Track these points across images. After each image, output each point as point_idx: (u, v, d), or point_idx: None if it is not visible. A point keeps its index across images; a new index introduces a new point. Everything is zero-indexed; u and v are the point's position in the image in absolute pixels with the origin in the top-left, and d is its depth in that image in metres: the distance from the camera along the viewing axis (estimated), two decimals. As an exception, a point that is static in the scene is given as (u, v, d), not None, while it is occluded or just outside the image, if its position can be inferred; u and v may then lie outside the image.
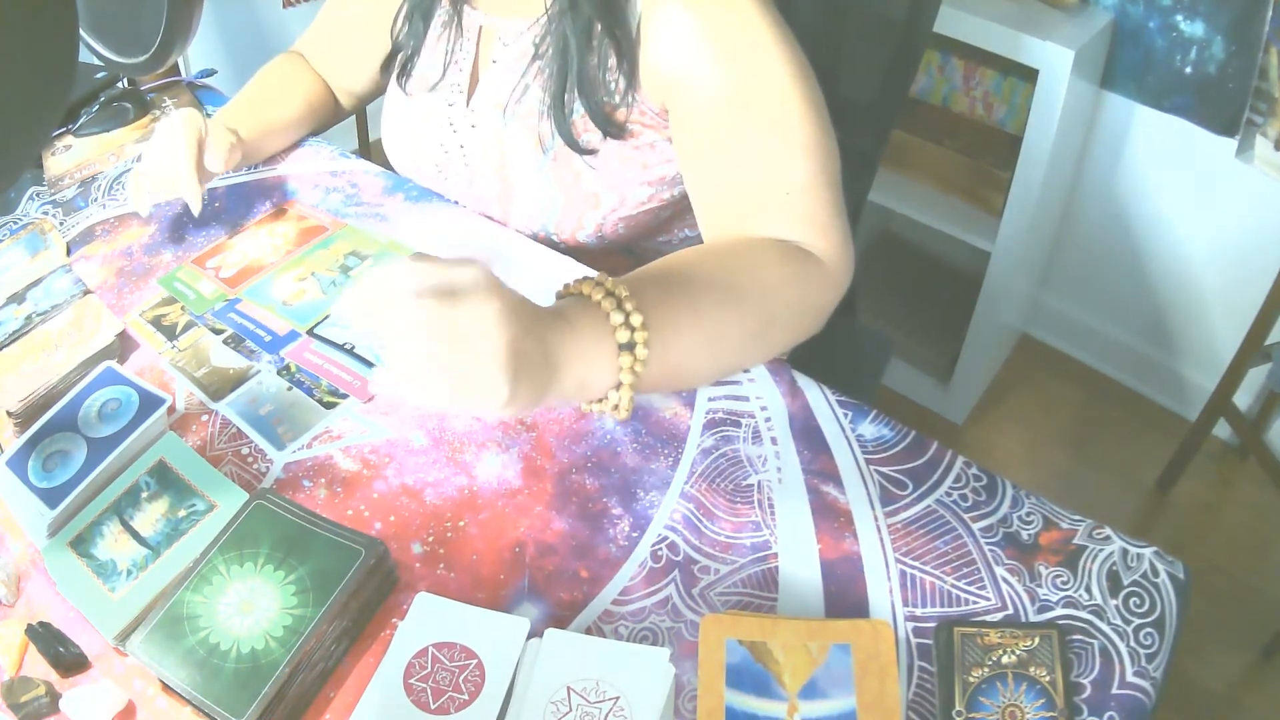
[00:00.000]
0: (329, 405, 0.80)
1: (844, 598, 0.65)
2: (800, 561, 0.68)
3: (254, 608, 0.63)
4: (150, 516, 0.71)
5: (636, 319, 0.60)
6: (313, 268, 0.93)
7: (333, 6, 1.08)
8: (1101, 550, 0.66)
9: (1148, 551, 0.66)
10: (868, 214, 1.66)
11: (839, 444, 0.75)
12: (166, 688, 0.62)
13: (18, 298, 0.93)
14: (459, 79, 0.91)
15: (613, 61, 0.80)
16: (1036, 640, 0.61)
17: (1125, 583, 0.64)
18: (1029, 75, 1.52)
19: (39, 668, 0.65)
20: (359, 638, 0.65)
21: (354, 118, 2.00)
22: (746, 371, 0.80)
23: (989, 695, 0.59)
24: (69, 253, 0.99)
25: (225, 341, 0.87)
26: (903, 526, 0.69)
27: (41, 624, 0.66)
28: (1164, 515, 1.74)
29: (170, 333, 0.88)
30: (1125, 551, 0.66)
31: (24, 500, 0.72)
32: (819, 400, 0.78)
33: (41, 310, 0.90)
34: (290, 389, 0.82)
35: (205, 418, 0.80)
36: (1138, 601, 0.63)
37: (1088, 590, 0.64)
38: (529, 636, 0.63)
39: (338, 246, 0.95)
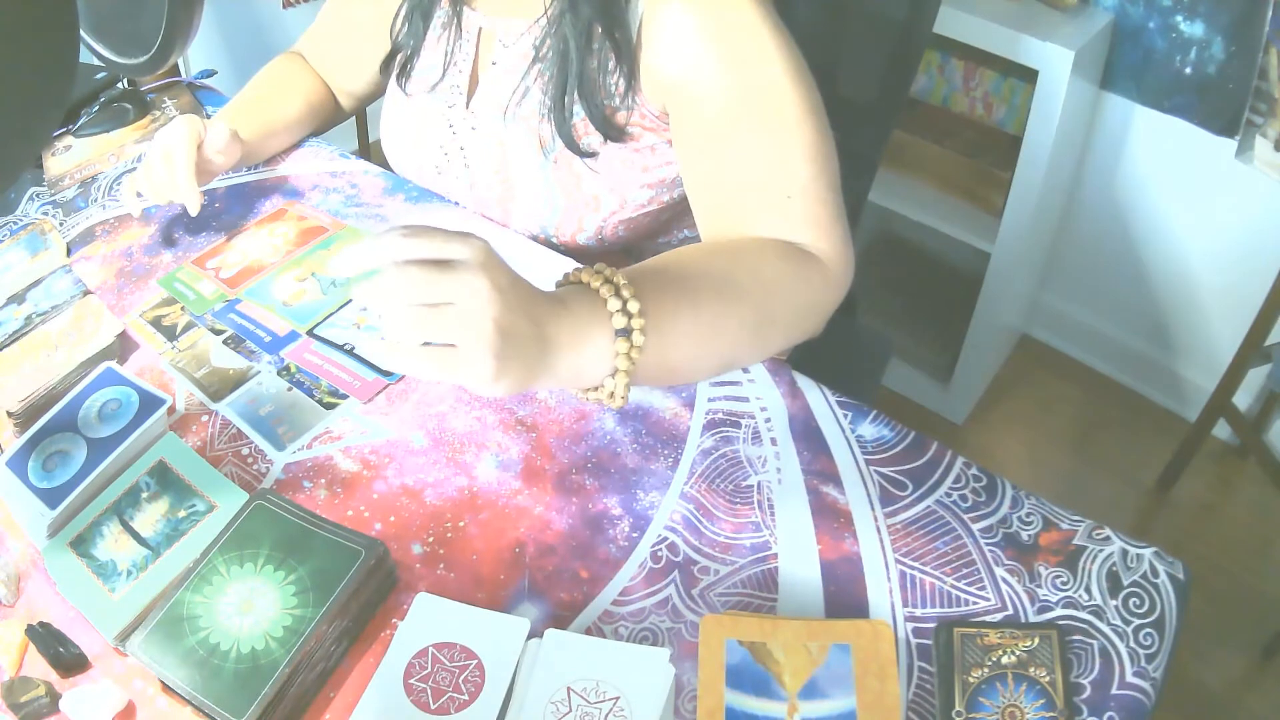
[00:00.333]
0: (329, 406, 0.80)
1: (844, 598, 0.65)
2: (800, 562, 0.68)
3: (254, 608, 0.63)
4: (150, 517, 0.71)
5: (634, 306, 0.61)
6: (313, 268, 0.93)
7: (333, 7, 1.08)
8: (1101, 550, 0.66)
9: (1147, 552, 0.66)
10: (868, 214, 1.66)
11: (839, 444, 0.75)
12: (166, 688, 0.62)
13: (18, 298, 0.93)
14: (459, 80, 0.91)
15: (612, 64, 0.80)
16: (1036, 641, 0.61)
17: (1125, 583, 0.64)
18: (1029, 76, 1.52)
19: (39, 668, 0.65)
20: (359, 638, 0.65)
21: (354, 118, 1.99)
22: (746, 372, 0.80)
23: (989, 695, 0.59)
24: (69, 253, 0.99)
25: (225, 342, 0.87)
26: (902, 527, 0.69)
27: (41, 624, 0.66)
28: (1164, 515, 1.74)
29: (170, 333, 0.88)
30: (1125, 552, 0.66)
31: (24, 500, 0.72)
32: (819, 401, 0.78)
33: (41, 310, 0.91)
34: (290, 389, 0.82)
35: (205, 418, 0.80)
36: (1137, 602, 0.63)
37: (1087, 590, 0.64)
38: (529, 636, 0.63)
39: (338, 247, 0.95)
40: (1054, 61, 1.44)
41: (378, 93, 1.10)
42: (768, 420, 0.77)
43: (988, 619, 0.64)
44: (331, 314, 0.88)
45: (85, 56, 0.98)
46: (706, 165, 0.78)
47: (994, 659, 0.60)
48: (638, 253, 0.97)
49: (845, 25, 1.11)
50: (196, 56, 1.98)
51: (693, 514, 0.71)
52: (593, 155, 0.85)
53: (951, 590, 0.65)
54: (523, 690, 0.60)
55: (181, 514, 0.71)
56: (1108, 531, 0.67)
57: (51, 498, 0.72)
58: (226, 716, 0.58)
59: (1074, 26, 1.49)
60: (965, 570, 0.66)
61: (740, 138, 0.75)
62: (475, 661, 0.61)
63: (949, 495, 0.71)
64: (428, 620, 0.64)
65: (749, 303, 0.68)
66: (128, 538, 0.70)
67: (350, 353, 0.84)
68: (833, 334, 0.82)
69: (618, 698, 0.59)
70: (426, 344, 0.54)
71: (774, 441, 0.75)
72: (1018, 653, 0.61)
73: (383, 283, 0.52)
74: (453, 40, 0.91)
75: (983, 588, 0.65)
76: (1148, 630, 0.62)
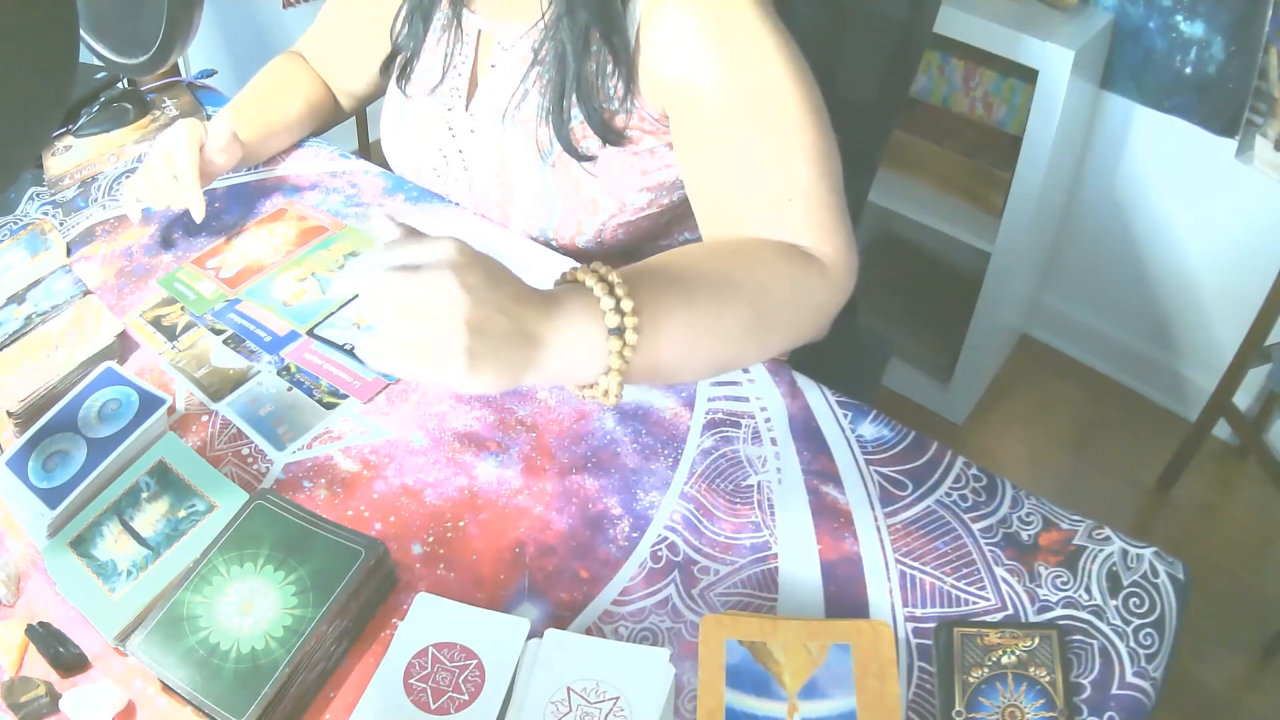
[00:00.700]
0: (329, 406, 0.80)
1: (844, 598, 0.65)
2: (800, 562, 0.68)
3: (254, 608, 0.63)
4: (150, 517, 0.71)
5: (627, 304, 0.61)
6: (313, 268, 0.93)
7: (332, 7, 1.08)
8: (1101, 550, 0.66)
9: (1147, 552, 0.66)
10: (868, 214, 1.66)
11: (839, 444, 0.75)
12: (166, 688, 0.62)
13: (18, 298, 0.93)
14: (458, 83, 0.91)
15: (611, 67, 0.80)
16: (1036, 640, 0.61)
17: (1125, 583, 0.64)
18: (1029, 75, 1.52)
19: (39, 668, 0.65)
20: (359, 638, 0.65)
21: (354, 118, 1.99)
22: (746, 372, 0.80)
23: (989, 695, 0.59)
24: (69, 253, 0.99)
25: (225, 342, 0.87)
26: (903, 527, 0.69)
27: (41, 624, 0.66)
28: (1164, 515, 1.74)
29: (170, 333, 0.88)
30: (1125, 552, 0.66)
31: (24, 500, 0.72)
32: (819, 401, 0.78)
33: (41, 310, 0.90)
34: (290, 389, 0.82)
35: (205, 418, 0.80)
36: (1137, 602, 0.63)
37: (1087, 590, 0.64)
38: (529, 636, 0.63)
39: (338, 247, 0.95)
40: (1054, 61, 1.44)
41: (377, 93, 1.10)
42: (768, 420, 0.77)
43: (988, 619, 0.64)
44: (331, 314, 0.88)
45: (85, 56, 0.98)
46: (707, 167, 0.78)
47: (994, 659, 0.60)
48: (637, 255, 0.97)
49: (845, 25, 1.11)
50: (196, 56, 1.98)
51: (693, 514, 0.71)
52: (591, 159, 0.85)
53: (951, 590, 0.65)
54: (523, 690, 0.60)
55: (181, 514, 0.71)
56: (1108, 531, 0.67)
57: (51, 498, 0.72)
58: (226, 716, 0.58)
59: (1074, 26, 1.49)
60: (965, 570, 0.66)
61: (741, 139, 0.75)
62: (475, 661, 0.61)
63: (949, 495, 0.71)
64: (428, 620, 0.64)
65: (747, 303, 0.68)
66: (128, 538, 0.70)
67: (350, 353, 0.84)
68: (833, 334, 0.81)
69: (618, 698, 0.59)
70: (405, 343, 0.56)
71: (774, 441, 0.75)
72: (1018, 653, 0.61)
73: (364, 292, 0.55)
74: (452, 43, 0.91)
75: (983, 588, 0.65)
76: (1148, 630, 0.62)
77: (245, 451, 0.77)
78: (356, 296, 0.89)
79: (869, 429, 0.75)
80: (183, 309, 0.90)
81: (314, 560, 0.65)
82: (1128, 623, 0.62)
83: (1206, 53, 1.50)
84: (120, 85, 1.16)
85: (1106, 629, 0.62)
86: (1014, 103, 1.64)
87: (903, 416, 0.76)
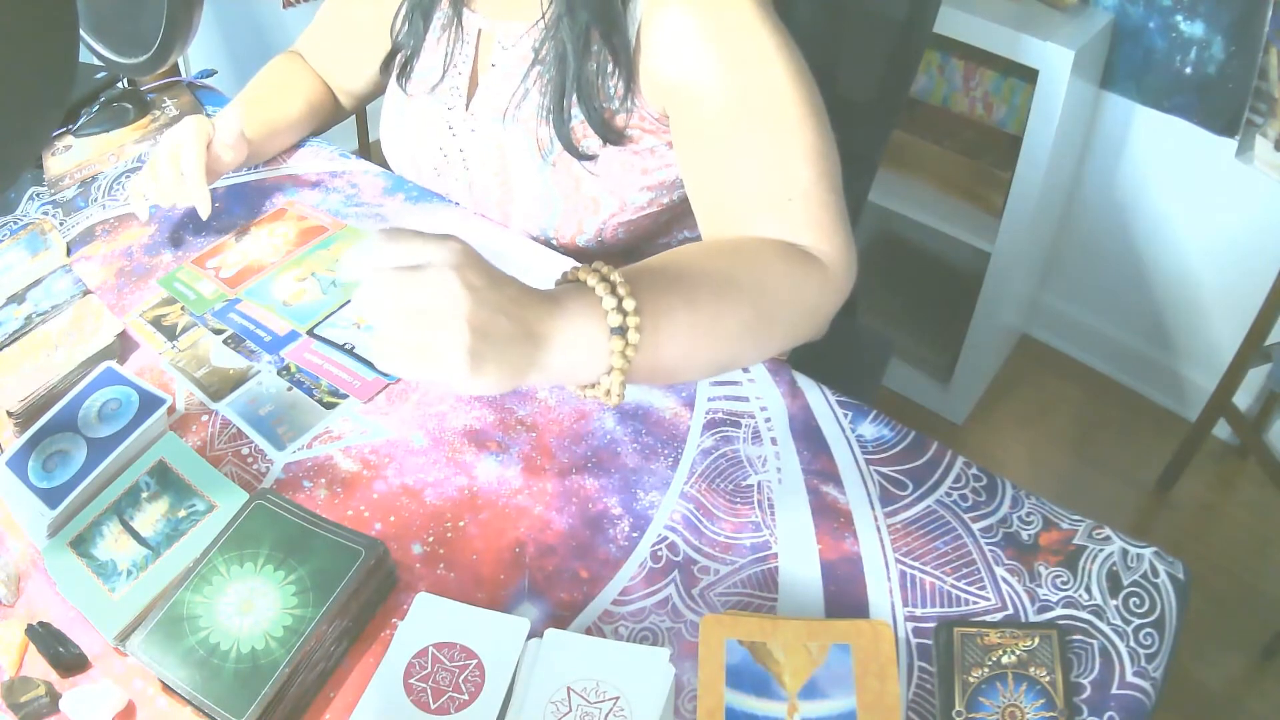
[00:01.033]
0: (329, 405, 0.80)
1: (844, 598, 0.65)
2: (800, 562, 0.68)
3: (254, 608, 0.63)
4: (150, 516, 0.71)
5: (629, 304, 0.61)
6: (313, 268, 0.93)
7: (332, 6, 1.08)
8: (1101, 550, 0.66)
9: (1148, 551, 0.66)
10: (868, 214, 1.66)
11: (839, 444, 0.75)
12: (166, 688, 0.62)
13: (18, 298, 0.93)
14: (458, 82, 0.91)
15: (611, 67, 0.80)
16: (1036, 640, 0.61)
17: (1125, 583, 0.64)
18: (1029, 75, 1.52)
19: (39, 668, 0.65)
20: (359, 638, 0.65)
21: (354, 118, 2.00)
22: (746, 371, 0.80)
23: (989, 695, 0.59)
24: (69, 253, 0.99)
25: (225, 342, 0.87)
26: (903, 527, 0.69)
27: (41, 624, 0.66)
28: (1164, 515, 1.74)
29: (170, 333, 0.88)
30: (1125, 551, 0.66)
31: (24, 500, 0.72)
32: (819, 400, 0.78)
33: (41, 310, 0.90)
34: (290, 389, 0.82)
35: (205, 418, 0.80)
36: (1138, 601, 0.63)
37: (1088, 590, 0.64)
38: (529, 636, 0.63)
39: (338, 247, 0.95)
40: (1054, 61, 1.44)
41: (377, 92, 1.10)
42: (768, 420, 0.77)
43: (988, 619, 0.64)
44: (331, 314, 0.88)
45: (85, 56, 0.98)
46: (707, 167, 0.78)
47: (994, 659, 0.60)
48: (638, 254, 0.97)
49: (845, 25, 1.11)
50: (196, 56, 1.98)
51: (693, 514, 0.71)
52: (591, 158, 0.85)
53: (951, 590, 0.65)
54: (523, 690, 0.60)
55: (181, 514, 0.71)
56: (1108, 531, 0.67)
57: (51, 498, 0.72)
58: (226, 716, 0.58)
59: (1074, 26, 1.49)
60: (965, 570, 0.66)
61: (741, 139, 0.75)
62: (475, 661, 0.61)
63: (949, 495, 0.71)
64: (428, 620, 0.64)
65: (747, 303, 0.68)
66: (128, 538, 0.70)
67: (350, 352, 0.84)
68: (833, 334, 0.81)
69: (618, 698, 0.59)
70: (408, 345, 0.56)
71: (774, 441, 0.75)
72: (1018, 652, 0.61)
73: (364, 290, 0.55)
74: (452, 42, 0.91)
75: (983, 587, 0.65)
76: (1148, 630, 0.62)
77: (245, 451, 0.77)
78: (357, 291, 0.89)
79: (869, 429, 0.75)
80: (183, 309, 0.90)
81: (314, 560, 0.65)
82: (1128, 623, 0.62)
83: (1206, 53, 1.50)
84: (120, 85, 1.16)
85: (1106, 629, 0.62)
86: (1014, 103, 1.64)
87: (903, 416, 0.76)
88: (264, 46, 2.15)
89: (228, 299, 0.91)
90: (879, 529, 0.69)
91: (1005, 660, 0.60)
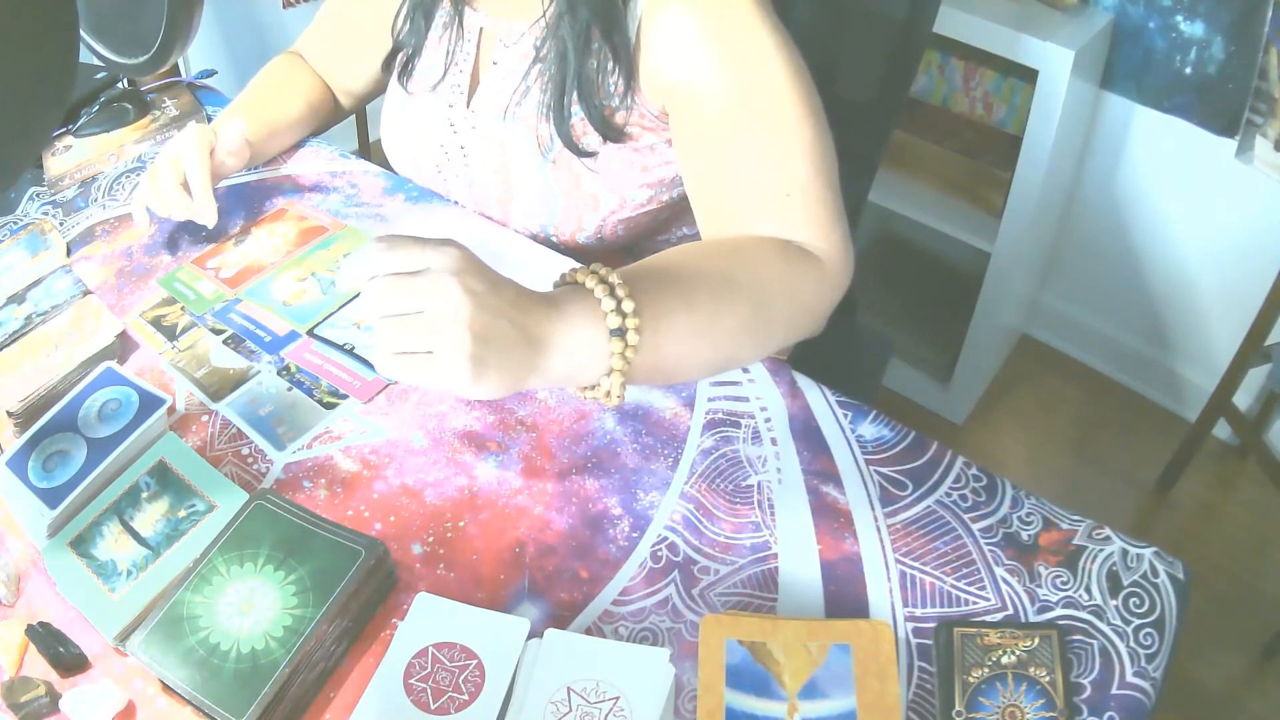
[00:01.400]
0: (329, 406, 0.80)
1: (844, 598, 0.65)
2: (800, 562, 0.68)
3: (254, 608, 0.63)
4: (150, 517, 0.71)
5: (628, 305, 0.61)
6: (313, 268, 0.93)
7: (331, 6, 1.08)
8: (1101, 550, 0.66)
9: (1148, 552, 0.66)
10: (868, 214, 1.66)
11: (839, 444, 0.75)
12: (166, 688, 0.62)
13: (18, 298, 0.93)
14: (459, 80, 0.91)
15: (611, 65, 0.80)
16: (1036, 640, 0.61)
17: (1125, 583, 0.64)
18: (1029, 75, 1.52)
19: (39, 668, 0.65)
20: (359, 638, 0.65)
21: (354, 118, 2.00)
22: (746, 372, 0.80)
23: (989, 695, 0.59)
24: (69, 253, 0.99)
25: (225, 342, 0.87)
26: (903, 527, 0.69)
27: (41, 624, 0.66)
28: (1164, 515, 1.74)
29: (170, 333, 0.88)
30: (1125, 552, 0.66)
31: (24, 500, 0.72)
32: (819, 400, 0.78)
33: (41, 310, 0.90)
34: (290, 389, 0.82)
35: (205, 418, 0.80)
36: (1137, 602, 0.63)
37: (1087, 590, 0.64)
38: (529, 636, 0.63)
39: (338, 247, 0.95)
40: (1054, 61, 1.44)
41: (377, 91, 1.10)
42: (768, 420, 0.77)
43: (988, 619, 0.64)
44: (331, 314, 0.88)
45: (85, 56, 0.98)
46: (706, 165, 0.78)
47: (994, 659, 0.60)
48: (638, 252, 0.97)
49: (845, 25, 1.11)
50: (196, 56, 1.98)
51: (693, 514, 0.71)
52: (591, 155, 0.85)
53: (951, 590, 0.65)
54: (523, 690, 0.60)
55: (181, 514, 0.71)
56: (1108, 531, 0.67)
57: (51, 498, 0.72)
58: (226, 716, 0.58)
59: (1074, 26, 1.49)
60: (965, 570, 0.66)
61: (739, 138, 0.75)
62: (475, 661, 0.61)
63: (949, 495, 0.71)
64: (428, 620, 0.64)
65: (747, 302, 0.68)
66: (128, 538, 0.70)
67: (350, 353, 0.84)
68: (833, 334, 0.82)
69: (618, 698, 0.59)
70: (410, 351, 0.56)
71: (774, 441, 0.75)
72: (1018, 653, 0.61)
73: (364, 297, 0.56)
74: (454, 40, 0.91)
75: (983, 588, 0.65)
76: (1148, 630, 0.62)
77: (245, 451, 0.77)
78: (357, 296, 0.89)
79: (869, 429, 0.75)
80: (183, 309, 0.90)
81: (314, 560, 0.65)
82: (1128, 623, 0.62)
83: (1206, 53, 1.50)
84: (120, 85, 1.16)
85: (1106, 629, 0.62)
86: (1014, 103, 1.64)
87: (903, 416, 0.76)
88: (264, 46, 2.15)
89: (228, 299, 0.91)
90: (879, 529, 0.69)
91: (1005, 660, 0.60)
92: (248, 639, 0.61)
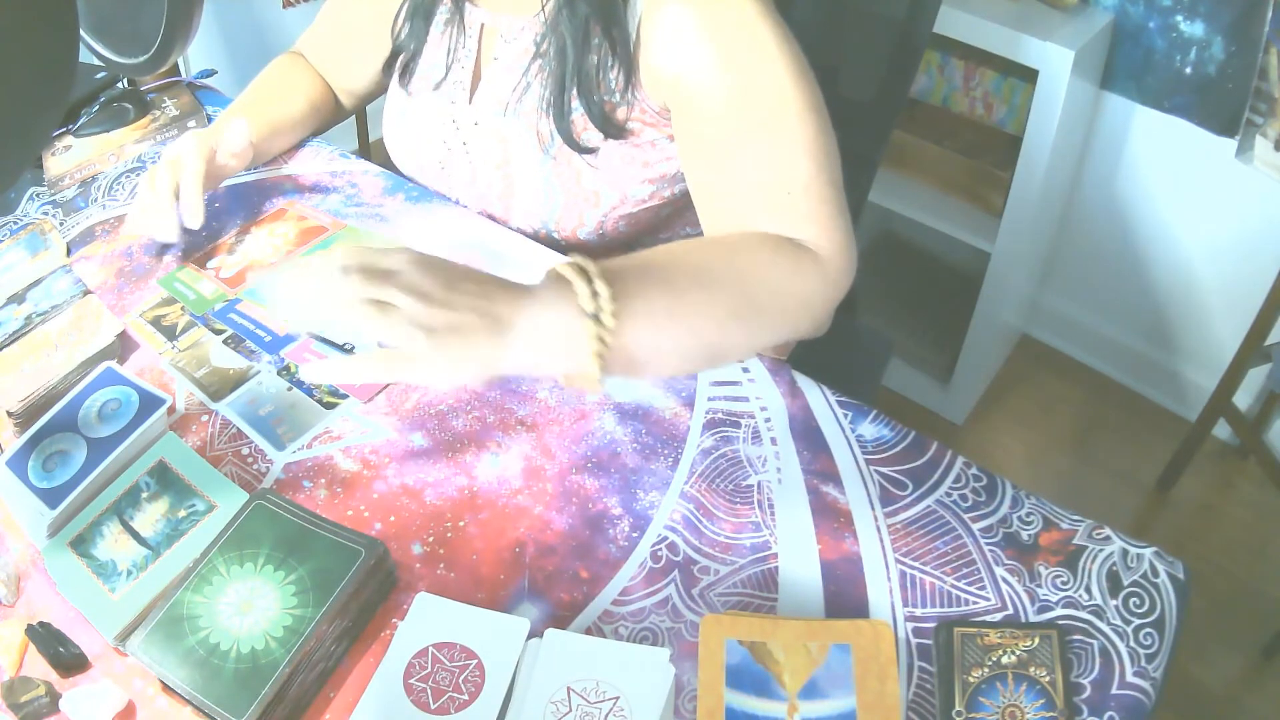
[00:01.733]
0: (329, 405, 0.80)
1: (844, 598, 0.65)
2: (800, 562, 0.68)
3: (254, 608, 0.63)
4: (150, 516, 0.71)
5: (602, 289, 0.62)
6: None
7: (332, 7, 1.08)
8: (1101, 550, 0.66)
9: (1148, 552, 0.66)
10: (868, 214, 1.66)
11: (839, 444, 0.75)
12: (166, 688, 0.62)
13: (18, 298, 0.93)
14: (461, 76, 0.91)
15: (611, 60, 0.80)
16: (1036, 640, 0.61)
17: (1125, 583, 0.64)
18: (1029, 75, 1.52)
19: (39, 668, 0.65)
20: (359, 638, 0.65)
21: (354, 118, 2.00)
22: (746, 371, 0.80)
23: (989, 695, 0.59)
24: (69, 253, 0.99)
25: (225, 342, 0.87)
26: (903, 527, 0.69)
27: (41, 624, 0.66)
28: (1164, 515, 1.74)
29: (170, 333, 0.88)
30: (1125, 552, 0.66)
31: (24, 500, 0.72)
32: (819, 400, 0.78)
33: (41, 310, 0.90)
34: (290, 389, 0.82)
35: (205, 418, 0.80)
36: (1138, 602, 0.63)
37: (1088, 590, 0.64)
38: (529, 636, 0.63)
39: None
40: (1054, 61, 1.44)
41: (378, 91, 1.10)
42: (768, 420, 0.77)
43: (988, 619, 0.64)
44: (331, 314, 0.88)
45: (85, 56, 0.98)
46: (708, 162, 0.78)
47: (994, 659, 0.60)
48: (639, 248, 0.96)
49: (845, 25, 1.11)
50: (196, 56, 1.98)
51: (693, 514, 0.71)
52: (591, 151, 0.85)
53: (951, 590, 0.65)
54: (523, 690, 0.60)
55: (181, 514, 0.71)
56: (1108, 531, 0.67)
57: (51, 498, 0.72)
58: (226, 716, 0.58)
59: (1074, 26, 1.49)
60: (965, 570, 0.66)
61: (741, 135, 0.75)
62: (475, 661, 0.61)
63: (949, 495, 0.71)
64: (428, 620, 0.64)
65: (731, 290, 0.69)
66: (128, 538, 0.70)
67: (350, 353, 0.84)
68: (833, 334, 0.81)
69: (618, 698, 0.59)
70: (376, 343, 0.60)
71: (774, 441, 0.75)
72: (1018, 652, 0.61)
73: (327, 298, 0.59)
74: (455, 37, 0.91)
75: (983, 587, 0.65)
76: (1148, 630, 0.62)
77: (245, 451, 0.77)
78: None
79: (869, 429, 0.75)
80: (183, 309, 0.90)
81: (314, 560, 0.65)
82: (1128, 623, 0.62)
83: (1206, 53, 1.50)
84: (120, 85, 1.16)
85: (1106, 629, 0.62)
86: (1014, 103, 1.64)
87: (903, 416, 0.76)
88: (264, 46, 2.15)
89: (228, 299, 0.91)
90: (879, 529, 0.69)
91: (1005, 660, 0.60)
92: (248, 639, 0.61)
